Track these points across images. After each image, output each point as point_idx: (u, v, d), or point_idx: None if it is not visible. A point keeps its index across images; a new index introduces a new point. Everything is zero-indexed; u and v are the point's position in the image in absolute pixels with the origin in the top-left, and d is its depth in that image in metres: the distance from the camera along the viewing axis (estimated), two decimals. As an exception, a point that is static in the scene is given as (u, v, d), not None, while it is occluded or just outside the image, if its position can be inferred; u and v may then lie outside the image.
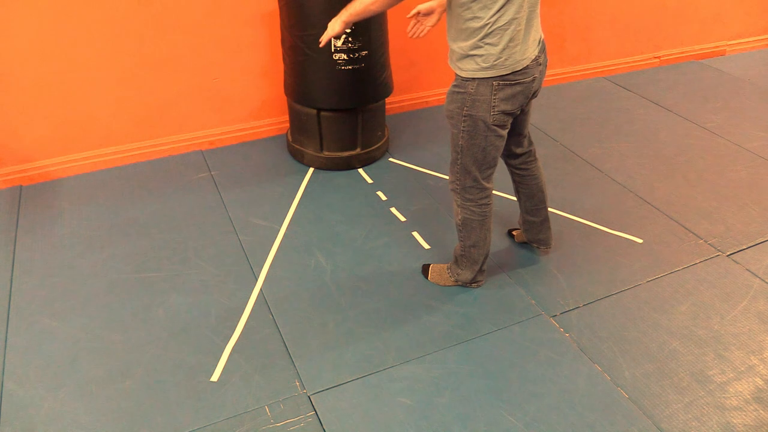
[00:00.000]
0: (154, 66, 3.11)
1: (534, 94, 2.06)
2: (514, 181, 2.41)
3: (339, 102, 3.01)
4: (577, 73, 4.30)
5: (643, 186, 3.09)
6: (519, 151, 2.28)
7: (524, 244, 2.65)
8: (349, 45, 2.85)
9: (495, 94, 1.92)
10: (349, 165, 3.20)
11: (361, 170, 3.21)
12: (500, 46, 1.87)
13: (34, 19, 2.81)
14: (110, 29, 2.95)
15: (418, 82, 3.82)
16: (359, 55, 2.89)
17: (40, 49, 2.87)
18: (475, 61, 1.90)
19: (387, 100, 3.34)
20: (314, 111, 3.05)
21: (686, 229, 2.78)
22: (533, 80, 1.98)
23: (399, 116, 3.75)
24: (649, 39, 4.46)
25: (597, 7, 4.13)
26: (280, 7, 2.93)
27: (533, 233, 2.51)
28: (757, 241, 2.69)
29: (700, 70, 4.48)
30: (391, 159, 3.32)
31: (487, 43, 1.87)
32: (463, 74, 1.95)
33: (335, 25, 2.10)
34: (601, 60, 4.35)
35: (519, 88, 1.94)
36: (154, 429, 1.89)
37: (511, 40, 1.87)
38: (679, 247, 2.66)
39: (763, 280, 2.47)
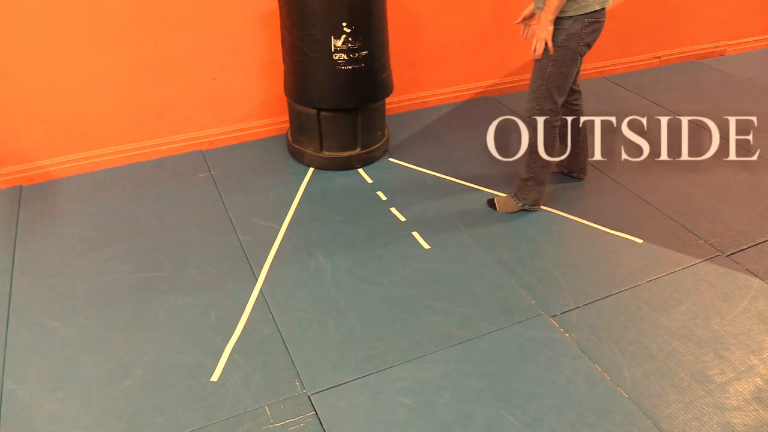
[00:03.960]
0: (154, 66, 3.11)
1: None
2: (565, 116, 2.86)
3: (339, 102, 3.01)
4: (577, 73, 4.29)
5: (643, 186, 3.09)
6: (575, 87, 2.81)
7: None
8: (349, 45, 2.85)
9: (584, 29, 2.46)
10: (349, 165, 3.20)
11: (361, 170, 3.21)
12: None
13: (34, 20, 2.81)
14: (110, 29, 2.95)
15: (418, 82, 3.82)
16: (359, 55, 2.89)
17: (40, 49, 2.87)
18: (576, 1, 2.40)
19: (387, 100, 3.34)
20: (314, 111, 3.05)
21: (686, 229, 2.78)
22: (605, 18, 2.52)
23: (399, 116, 3.75)
24: (649, 39, 4.46)
25: (597, 7, 4.12)
26: (280, 7, 2.93)
27: (576, 162, 3.05)
28: (757, 241, 2.69)
29: (700, 70, 4.48)
30: (391, 159, 3.32)
31: None
32: (563, 15, 2.42)
33: (548, 27, 2.42)
34: (601, 60, 4.35)
35: (599, 25, 2.50)
36: (154, 429, 1.89)
37: None
38: (679, 247, 2.66)
39: (763, 280, 2.48)
